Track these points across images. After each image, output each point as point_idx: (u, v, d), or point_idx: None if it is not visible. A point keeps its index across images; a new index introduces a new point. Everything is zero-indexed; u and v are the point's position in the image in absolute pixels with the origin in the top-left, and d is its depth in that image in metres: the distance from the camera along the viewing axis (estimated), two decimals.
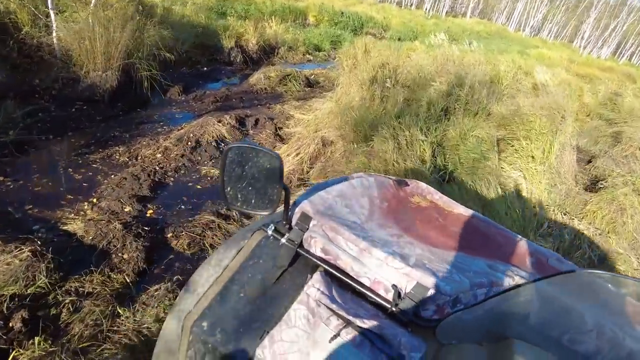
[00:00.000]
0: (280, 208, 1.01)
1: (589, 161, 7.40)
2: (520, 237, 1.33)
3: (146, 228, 3.10)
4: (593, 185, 5.84)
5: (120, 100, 5.21)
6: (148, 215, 3.34)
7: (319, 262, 0.98)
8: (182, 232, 3.16)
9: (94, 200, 3.36)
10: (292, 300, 0.93)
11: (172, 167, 4.05)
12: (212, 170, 4.13)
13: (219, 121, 5.09)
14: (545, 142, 4.93)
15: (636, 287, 0.80)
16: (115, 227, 2.98)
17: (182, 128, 4.91)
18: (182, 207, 3.53)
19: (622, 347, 0.78)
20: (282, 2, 15.84)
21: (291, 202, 1.10)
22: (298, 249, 1.01)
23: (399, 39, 18.05)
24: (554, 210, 4.29)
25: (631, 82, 19.93)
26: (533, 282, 0.89)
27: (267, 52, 9.24)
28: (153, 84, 5.60)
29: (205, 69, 7.44)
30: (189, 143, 4.49)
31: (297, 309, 0.89)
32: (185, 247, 3.04)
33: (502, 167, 4.18)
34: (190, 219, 3.33)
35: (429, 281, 0.88)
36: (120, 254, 2.83)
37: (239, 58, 8.18)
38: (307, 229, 1.04)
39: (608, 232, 4.48)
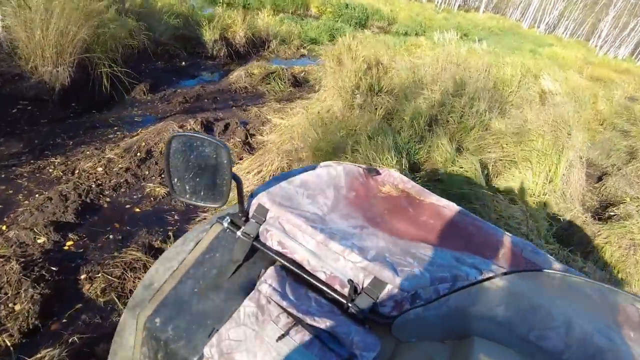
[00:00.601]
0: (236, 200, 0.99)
1: (600, 178, 6.75)
2: (494, 227, 1.30)
3: (54, 268, 2.57)
4: (603, 210, 5.21)
5: (73, 100, 4.66)
6: (66, 247, 2.80)
7: (275, 256, 0.96)
8: (98, 273, 2.62)
9: (3, 227, 2.83)
10: (245, 296, 0.88)
11: (112, 185, 3.50)
12: (158, 189, 3.58)
13: (181, 126, 4.52)
14: (548, 164, 4.31)
15: (607, 290, 0.81)
16: (11, 269, 2.44)
17: (136, 134, 4.35)
18: (110, 236, 2.98)
19: (591, 344, 0.75)
20: None
21: (249, 193, 1.08)
22: (254, 242, 0.99)
23: (406, 34, 17.30)
24: (555, 246, 3.69)
25: None
26: (496, 277, 0.86)
27: (257, 46, 8.61)
28: (115, 82, 5.02)
29: (183, 63, 6.85)
30: (138, 154, 3.94)
31: (247, 305, 0.85)
32: (99, 293, 2.50)
33: (495, 198, 3.57)
34: (114, 254, 2.78)
35: (387, 275, 0.85)
36: (10, 305, 2.30)
37: (222, 52, 7.57)
38: (264, 221, 1.01)
39: (617, 272, 3.87)
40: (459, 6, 36.57)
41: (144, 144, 4.10)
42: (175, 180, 0.96)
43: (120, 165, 3.74)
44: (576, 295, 0.86)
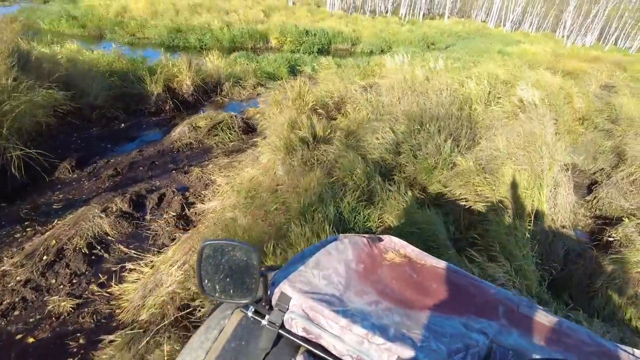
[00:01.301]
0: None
1: (590, 187, 6.20)
2: (490, 285, 1.37)
3: None
4: (600, 232, 4.63)
5: None
6: None
7: (301, 343, 0.99)
8: None
9: None
10: None
11: (1, 307, 2.83)
12: (64, 303, 2.92)
13: (104, 210, 3.89)
14: (530, 199, 3.74)
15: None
16: None
17: (50, 228, 3.71)
18: None
19: None
20: (240, 27, 14.79)
21: (270, 279, 1.12)
22: (280, 330, 1.01)
23: (371, 52, 17.04)
24: (552, 304, 3.07)
25: (621, 70, 18.97)
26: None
27: (208, 92, 8.08)
28: (33, 165, 4.39)
29: (122, 125, 6.25)
30: (45, 257, 3.28)
31: None
32: None
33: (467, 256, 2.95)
34: None
35: (409, 354, 0.92)
36: None
37: (168, 105, 7.01)
38: (287, 309, 1.04)
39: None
40: (423, 15, 36.87)
41: (54, 242, 3.45)
42: (206, 281, 1.01)
43: (18, 278, 3.08)
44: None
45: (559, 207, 4.44)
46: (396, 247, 1.53)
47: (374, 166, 3.66)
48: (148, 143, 5.77)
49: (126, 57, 7.75)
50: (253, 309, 1.05)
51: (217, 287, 1.01)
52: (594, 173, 6.47)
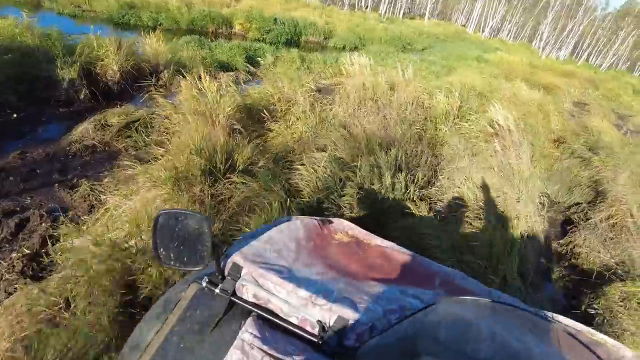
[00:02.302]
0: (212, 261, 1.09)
1: (564, 225, 5.50)
2: (428, 260, 1.48)
3: None
4: (577, 296, 3.87)
5: None
6: None
7: (251, 308, 1.06)
8: None
9: None
10: (229, 346, 0.95)
11: None
12: None
13: None
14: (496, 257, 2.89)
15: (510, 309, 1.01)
16: None
17: None
18: None
19: (510, 349, 0.85)
20: (201, 9, 13.43)
21: (223, 253, 1.17)
22: (232, 298, 1.08)
23: (343, 48, 16.04)
24: None
25: (593, 88, 18.88)
26: (433, 304, 1.02)
27: (140, 81, 6.87)
28: None
29: (14, 115, 5.02)
30: None
31: (233, 353, 0.91)
32: None
33: None
34: None
35: (348, 313, 1.01)
36: None
37: (82, 94, 5.79)
38: (239, 277, 1.11)
39: None
40: (404, 14, 36.16)
41: None
42: (161, 250, 1.06)
43: None
44: (496, 313, 1.00)
45: (531, 261, 3.65)
46: (345, 228, 1.62)
47: (305, 211, 2.71)
48: (39, 142, 4.58)
49: (39, 31, 6.42)
50: (207, 279, 1.09)
51: (172, 255, 1.05)
52: (569, 208, 5.77)
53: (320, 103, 4.69)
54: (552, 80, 16.71)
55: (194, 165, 2.54)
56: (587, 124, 9.68)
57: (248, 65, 9.28)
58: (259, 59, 9.95)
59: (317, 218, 1.61)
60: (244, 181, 2.62)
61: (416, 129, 4.56)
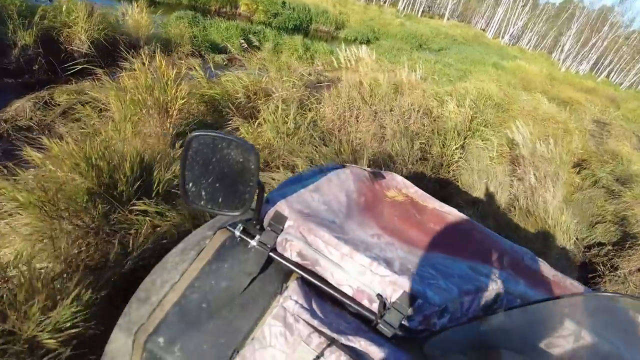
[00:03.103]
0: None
1: (582, 270, 4.69)
2: (495, 234, 1.33)
3: None
4: None
5: None
6: None
7: (294, 269, 0.89)
8: None
9: None
10: (264, 313, 0.82)
11: None
12: None
13: None
14: None
15: (610, 298, 0.84)
16: None
17: None
18: None
19: (597, 351, 0.79)
20: None
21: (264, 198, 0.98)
22: (271, 253, 0.91)
23: (355, 40, 15.11)
24: None
25: (615, 106, 17.96)
26: (521, 306, 0.92)
27: (114, 55, 6.04)
28: None
29: None
30: None
31: (273, 325, 0.77)
32: None
33: None
34: None
35: (416, 289, 0.84)
36: None
37: (37, 63, 4.97)
38: (282, 230, 0.94)
39: None
40: (422, 12, 35.00)
41: None
42: (190, 184, 0.82)
43: None
44: (585, 309, 0.89)
45: None
46: (399, 185, 1.47)
47: None
48: None
49: None
50: (242, 227, 0.92)
51: (204, 193, 0.82)
52: (589, 248, 4.94)
53: (308, 100, 3.87)
54: (573, 95, 15.78)
55: (77, 187, 1.74)
56: (609, 146, 8.84)
57: (246, 46, 8.43)
58: (259, 42, 9.11)
59: (368, 169, 1.44)
60: (159, 210, 1.82)
61: (420, 143, 3.74)
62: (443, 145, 3.93)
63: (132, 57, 6.22)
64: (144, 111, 2.75)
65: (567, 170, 5.83)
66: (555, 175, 3.93)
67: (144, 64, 3.08)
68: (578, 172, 6.72)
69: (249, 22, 11.60)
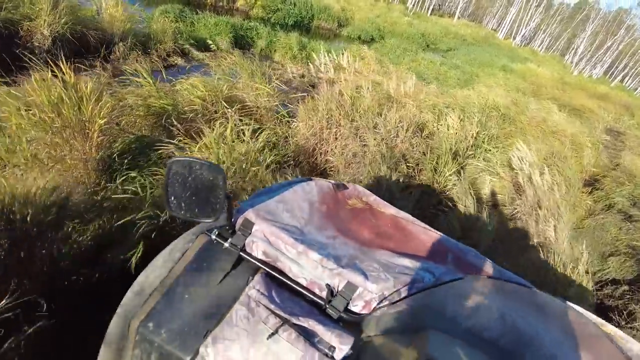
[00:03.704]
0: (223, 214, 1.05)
1: (597, 309, 4.11)
2: (442, 235, 1.44)
3: None
4: None
5: None
6: None
7: (260, 265, 1.06)
8: None
9: None
10: (234, 301, 0.95)
11: None
12: None
13: None
14: None
15: (527, 290, 1.07)
16: None
17: None
18: None
19: (519, 331, 0.88)
20: None
21: (234, 207, 1.14)
22: (240, 253, 1.07)
23: (359, 38, 14.50)
24: None
25: (629, 115, 17.23)
26: (447, 282, 1.05)
27: (83, 52, 5.53)
28: None
29: None
30: None
31: (238, 309, 0.93)
32: None
33: None
34: None
35: (358, 280, 1.00)
36: None
37: None
38: (250, 233, 1.10)
39: None
40: (432, 10, 34.15)
41: None
42: (172, 198, 1.01)
43: None
44: (508, 294, 1.03)
45: None
46: (360, 194, 1.60)
47: None
48: None
49: None
50: (217, 232, 1.08)
51: (183, 205, 1.01)
52: (601, 285, 4.36)
53: (280, 115, 3.31)
54: (585, 102, 15.05)
55: None
56: (624, 160, 8.23)
57: (237, 46, 7.88)
58: (251, 39, 8.56)
59: (332, 182, 1.59)
60: None
61: (407, 166, 3.18)
62: (435, 170, 3.37)
63: (107, 55, 5.73)
64: (51, 134, 2.21)
65: (576, 194, 5.24)
66: (561, 203, 3.36)
67: (54, 73, 2.51)
68: (590, 193, 6.11)
69: (247, 18, 11.05)
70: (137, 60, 6.02)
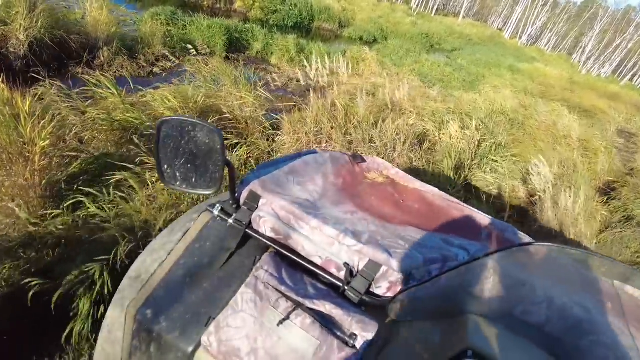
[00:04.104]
0: (227, 187, 0.97)
1: None
2: (476, 210, 1.32)
3: None
4: None
5: None
6: None
7: (268, 243, 0.95)
8: None
9: None
10: (241, 284, 0.86)
11: None
12: None
13: None
14: None
15: (584, 257, 0.86)
16: None
17: None
18: None
19: (570, 316, 0.78)
20: None
21: (239, 180, 1.04)
22: (246, 230, 0.96)
23: (360, 39, 14.14)
24: None
25: None
26: (485, 256, 0.84)
27: (64, 58, 5.23)
28: None
29: None
30: None
31: (245, 292, 0.83)
32: None
33: None
34: None
35: (382, 258, 0.87)
36: None
37: None
38: (256, 208, 0.98)
39: None
40: (437, 10, 33.70)
41: None
42: (165, 167, 0.90)
43: None
44: (556, 270, 0.88)
45: None
46: (380, 167, 1.49)
47: None
48: None
49: None
50: (220, 208, 0.97)
51: (178, 174, 0.89)
52: None
53: (262, 127, 2.96)
54: (596, 102, 14.60)
55: None
56: (638, 165, 7.81)
57: (231, 49, 7.57)
58: (247, 42, 8.25)
59: (348, 153, 1.47)
60: None
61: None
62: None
63: (90, 60, 5.44)
64: None
65: (591, 205, 4.85)
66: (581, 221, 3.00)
67: None
68: (605, 202, 5.71)
69: (245, 20, 10.74)
70: (122, 65, 5.74)
